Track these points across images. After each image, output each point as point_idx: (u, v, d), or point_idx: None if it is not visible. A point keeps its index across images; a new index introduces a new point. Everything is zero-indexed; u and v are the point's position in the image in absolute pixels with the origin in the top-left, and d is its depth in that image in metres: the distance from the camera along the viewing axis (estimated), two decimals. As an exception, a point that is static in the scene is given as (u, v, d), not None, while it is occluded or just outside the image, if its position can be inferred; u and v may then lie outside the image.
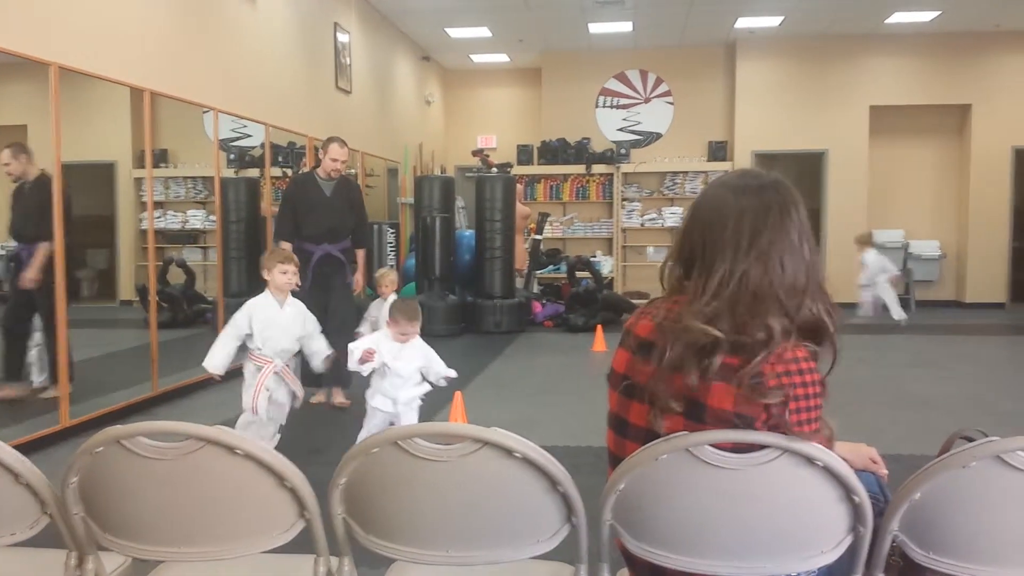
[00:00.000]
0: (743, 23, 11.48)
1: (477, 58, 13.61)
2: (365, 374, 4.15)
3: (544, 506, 1.62)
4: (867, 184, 12.32)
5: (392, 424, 4.14)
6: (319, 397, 5.93)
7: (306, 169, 8.15)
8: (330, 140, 5.95)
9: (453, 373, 4.22)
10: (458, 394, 5.06)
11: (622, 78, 13.23)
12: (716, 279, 1.59)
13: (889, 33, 11.86)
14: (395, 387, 4.17)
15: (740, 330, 1.55)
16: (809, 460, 1.53)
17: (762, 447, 1.53)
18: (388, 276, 6.35)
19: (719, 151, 12.71)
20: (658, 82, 13.16)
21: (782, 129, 12.42)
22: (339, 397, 5.91)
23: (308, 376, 5.66)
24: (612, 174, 12.89)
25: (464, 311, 9.72)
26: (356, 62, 10.04)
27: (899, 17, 11.07)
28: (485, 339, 9.28)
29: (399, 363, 4.12)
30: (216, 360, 4.21)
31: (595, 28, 11.60)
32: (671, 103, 13.15)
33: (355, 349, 4.11)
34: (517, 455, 1.56)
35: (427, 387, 4.26)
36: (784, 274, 1.59)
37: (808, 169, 12.43)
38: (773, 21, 11.35)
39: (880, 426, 5.25)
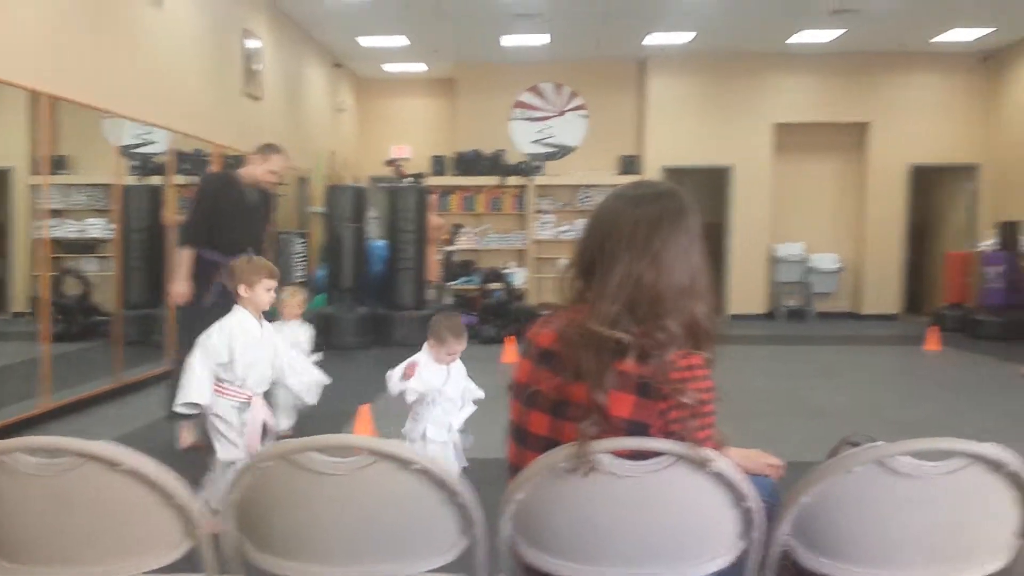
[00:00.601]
0: (654, 39, 11.72)
1: (391, 67, 13.54)
2: (409, 400, 3.68)
3: (441, 518, 1.61)
4: (770, 199, 12.71)
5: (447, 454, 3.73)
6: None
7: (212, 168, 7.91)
8: (273, 148, 5.30)
9: (482, 394, 3.86)
10: (364, 408, 4.98)
11: (536, 91, 13.34)
12: (614, 283, 1.63)
13: (793, 52, 12.27)
14: (448, 412, 3.74)
15: (642, 333, 1.58)
16: (703, 466, 1.56)
17: (658, 454, 1.55)
18: (296, 296, 5.51)
19: (630, 165, 12.92)
20: (572, 95, 13.31)
21: (690, 145, 12.71)
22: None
23: None
24: (526, 186, 12.97)
25: (375, 322, 9.62)
26: (267, 68, 9.86)
27: (802, 36, 11.46)
28: (396, 351, 9.15)
29: (448, 386, 3.69)
30: (202, 390, 3.44)
31: (510, 40, 11.67)
32: (585, 117, 13.33)
33: (394, 373, 3.65)
34: (414, 467, 1.55)
35: (472, 407, 3.83)
36: (674, 277, 1.64)
37: (715, 184, 12.75)
38: (683, 38, 11.61)
39: (779, 434, 5.40)
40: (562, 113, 13.35)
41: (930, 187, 13.20)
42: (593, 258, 1.71)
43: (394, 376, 3.64)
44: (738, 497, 1.59)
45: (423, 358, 3.71)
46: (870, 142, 12.66)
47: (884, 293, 12.76)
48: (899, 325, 12.18)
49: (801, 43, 11.75)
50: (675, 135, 12.73)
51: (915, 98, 12.51)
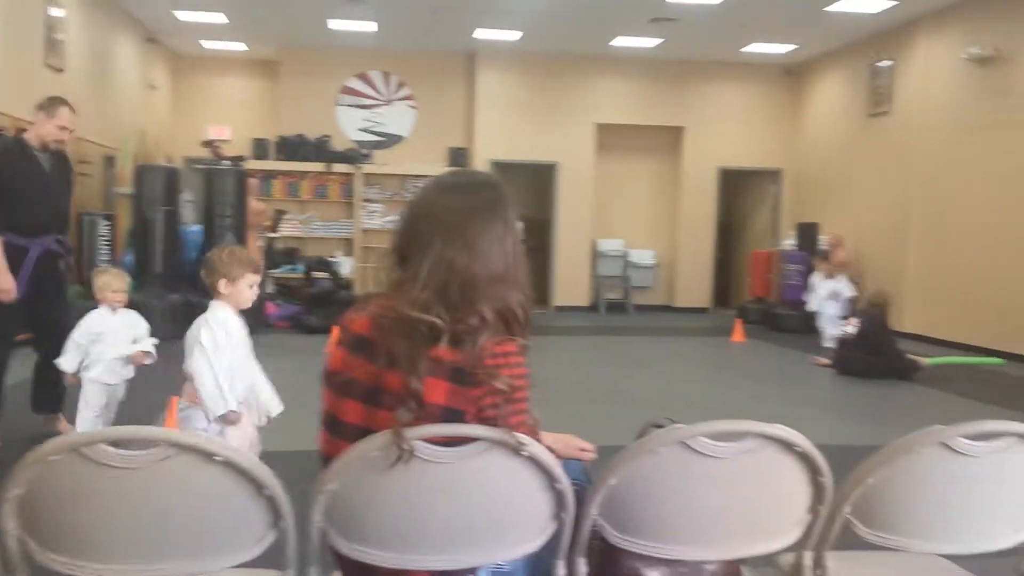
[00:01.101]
0: (482, 34, 11.80)
1: (211, 44, 12.95)
2: None
3: (248, 512, 1.54)
4: (593, 196, 13.12)
5: None
6: (61, 425, 4.87)
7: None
8: (58, 102, 4.65)
9: None
10: (174, 399, 4.72)
11: (364, 78, 13.13)
12: (426, 267, 1.62)
13: (616, 56, 12.70)
14: None
15: (455, 319, 1.58)
16: (516, 451, 1.57)
17: (472, 440, 1.56)
18: (120, 279, 4.64)
19: (459, 158, 12.96)
20: (401, 85, 13.20)
21: (518, 140, 12.91)
22: (63, 424, 4.84)
23: (45, 401, 4.85)
24: (353, 174, 12.75)
25: (188, 310, 9.17)
26: (71, 39, 9.18)
27: (624, 41, 11.88)
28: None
29: None
30: (229, 395, 3.23)
31: (336, 25, 11.42)
32: (414, 107, 13.24)
33: None
34: (218, 459, 1.47)
35: None
36: (488, 263, 1.64)
37: (541, 180, 13.02)
38: (512, 35, 11.77)
39: (595, 420, 5.57)
40: (390, 102, 13.21)
41: (738, 189, 14.06)
42: (410, 245, 1.69)
43: None
44: (551, 479, 1.62)
45: None
46: (684, 145, 13.32)
47: (695, 288, 13.49)
48: (709, 318, 12.90)
49: (623, 47, 12.18)
50: (503, 130, 12.89)
51: (726, 105, 13.27)
